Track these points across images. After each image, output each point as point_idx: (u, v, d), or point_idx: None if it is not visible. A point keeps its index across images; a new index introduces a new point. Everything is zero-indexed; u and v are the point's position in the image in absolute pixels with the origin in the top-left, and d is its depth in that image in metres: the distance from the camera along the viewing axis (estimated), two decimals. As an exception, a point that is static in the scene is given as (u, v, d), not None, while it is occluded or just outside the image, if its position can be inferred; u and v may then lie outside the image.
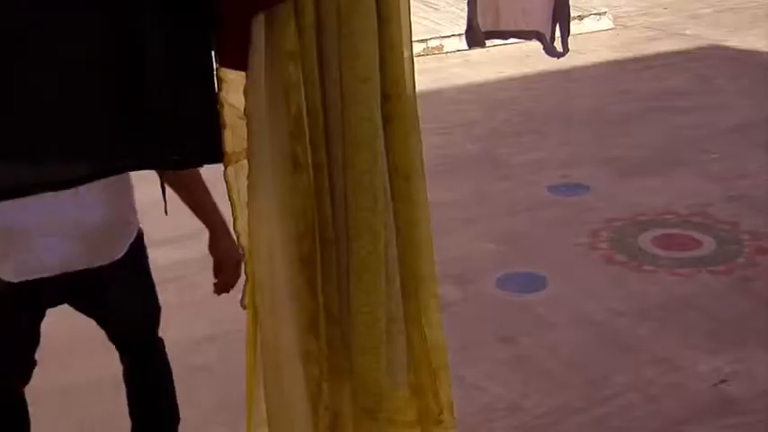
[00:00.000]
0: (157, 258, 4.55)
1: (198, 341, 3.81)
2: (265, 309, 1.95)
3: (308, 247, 1.92)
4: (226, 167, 1.97)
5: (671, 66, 7.59)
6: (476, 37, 2.13)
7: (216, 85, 1.87)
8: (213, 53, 1.86)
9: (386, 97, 1.90)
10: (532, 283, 4.21)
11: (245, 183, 1.94)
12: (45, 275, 2.38)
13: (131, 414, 2.81)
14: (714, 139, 5.79)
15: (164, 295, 4.33)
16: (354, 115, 1.89)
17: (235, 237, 2.07)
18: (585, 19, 8.97)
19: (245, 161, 1.93)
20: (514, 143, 5.70)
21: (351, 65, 1.86)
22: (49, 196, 1.94)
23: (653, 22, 9.61)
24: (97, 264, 2.44)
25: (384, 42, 1.87)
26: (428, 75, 7.24)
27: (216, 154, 1.91)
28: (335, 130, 1.91)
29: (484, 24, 2.11)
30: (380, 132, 1.91)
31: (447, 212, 4.92)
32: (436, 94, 6.70)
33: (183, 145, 1.86)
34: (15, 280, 2.37)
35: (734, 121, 6.00)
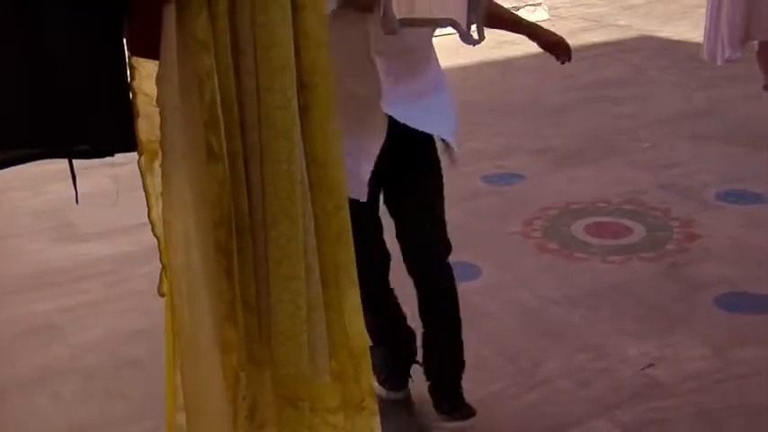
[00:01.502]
0: (87, 252, 4.56)
1: (129, 335, 3.77)
2: (182, 298, 1.95)
3: (225, 237, 1.92)
4: (140, 156, 1.95)
5: (605, 56, 7.68)
6: (391, 24, 2.12)
7: (129, 74, 1.86)
8: (125, 42, 1.84)
9: (302, 86, 1.90)
10: (467, 272, 4.23)
11: (160, 172, 1.92)
12: None
13: None
14: (646, 128, 5.87)
15: (93, 290, 4.31)
16: (271, 104, 1.88)
17: (150, 226, 2.05)
18: (521, 10, 9.04)
19: (160, 150, 1.92)
20: (450, 134, 5.71)
21: (266, 53, 1.85)
22: None
23: (587, 13, 9.72)
24: None
25: (299, 30, 1.87)
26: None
27: (129, 142, 1.90)
28: (251, 118, 1.90)
29: (398, 11, 2.10)
30: (297, 121, 1.90)
31: (382, 204, 4.92)
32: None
33: (96, 133, 1.84)
34: None
35: (665, 111, 6.09)
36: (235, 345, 2.01)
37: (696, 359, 3.49)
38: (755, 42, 2.86)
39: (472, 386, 3.39)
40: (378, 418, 2.15)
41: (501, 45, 7.34)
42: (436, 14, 2.18)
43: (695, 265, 4.19)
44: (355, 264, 2.04)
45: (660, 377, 3.40)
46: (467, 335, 3.75)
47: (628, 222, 4.65)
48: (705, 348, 3.55)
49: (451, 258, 3.93)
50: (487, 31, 2.35)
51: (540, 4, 9.46)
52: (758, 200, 4.79)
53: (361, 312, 2.09)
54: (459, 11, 2.11)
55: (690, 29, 8.24)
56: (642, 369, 3.44)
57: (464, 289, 4.06)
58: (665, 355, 3.52)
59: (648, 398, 3.29)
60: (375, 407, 2.14)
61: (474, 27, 2.16)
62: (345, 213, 2.00)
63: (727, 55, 2.69)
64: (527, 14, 9.08)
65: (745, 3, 2.64)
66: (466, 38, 2.20)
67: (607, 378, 3.41)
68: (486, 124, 6.22)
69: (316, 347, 2.00)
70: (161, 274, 2.04)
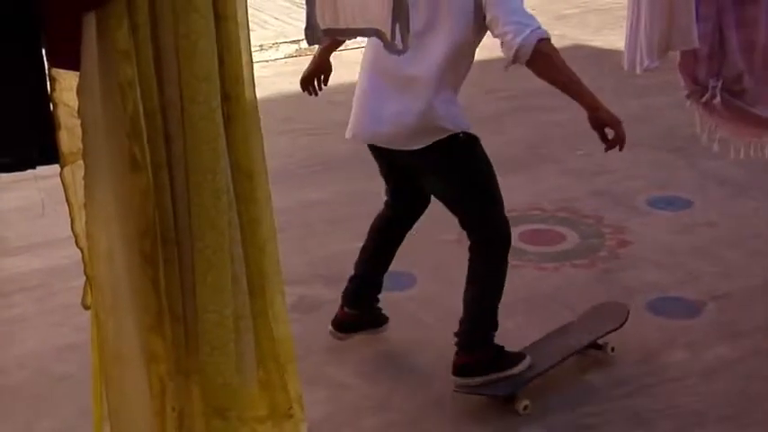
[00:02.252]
0: (16, 266, 4.47)
1: (59, 350, 3.71)
2: (105, 309, 1.94)
3: (150, 247, 1.91)
4: (62, 168, 1.93)
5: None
6: (314, 35, 2.12)
7: (49, 86, 1.83)
8: (44, 53, 1.81)
9: (226, 96, 1.90)
10: (402, 280, 4.24)
11: (83, 183, 1.90)
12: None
13: None
14: (579, 136, 5.90)
15: (22, 305, 4.22)
16: (195, 114, 1.87)
17: (73, 238, 2.03)
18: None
19: (83, 161, 1.89)
20: (386, 143, 5.73)
21: (189, 64, 1.85)
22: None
23: (523, 22, 9.79)
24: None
25: (222, 41, 1.86)
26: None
27: (51, 155, 1.87)
28: (176, 129, 1.89)
29: (323, 22, 2.10)
30: (222, 131, 1.90)
31: (318, 213, 4.93)
32: (309, 96, 6.67)
33: (16, 146, 1.81)
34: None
35: (597, 119, 6.17)
36: (162, 355, 2.01)
37: (628, 364, 3.54)
38: (677, 53, 2.93)
39: (405, 395, 3.41)
40: (305, 425, 2.16)
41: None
42: (360, 24, 2.18)
43: (627, 271, 4.25)
44: (281, 272, 2.05)
45: (593, 382, 3.44)
46: (402, 342, 3.77)
47: (561, 229, 4.70)
48: (637, 353, 3.60)
49: (385, 268, 3.92)
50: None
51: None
52: (687, 205, 4.88)
53: (287, 320, 2.10)
54: (383, 21, 2.12)
55: (620, 38, 8.26)
56: (575, 374, 3.48)
57: (399, 297, 4.09)
58: (597, 360, 3.57)
59: (581, 403, 3.33)
60: (302, 414, 2.16)
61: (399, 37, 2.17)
62: (271, 222, 2.01)
63: (645, 64, 2.74)
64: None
65: (664, 14, 2.69)
66: (390, 48, 2.20)
67: (541, 383, 3.44)
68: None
69: (243, 357, 2.00)
70: (85, 286, 2.02)
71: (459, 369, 3.31)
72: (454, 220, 4.89)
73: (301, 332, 3.71)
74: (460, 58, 3.11)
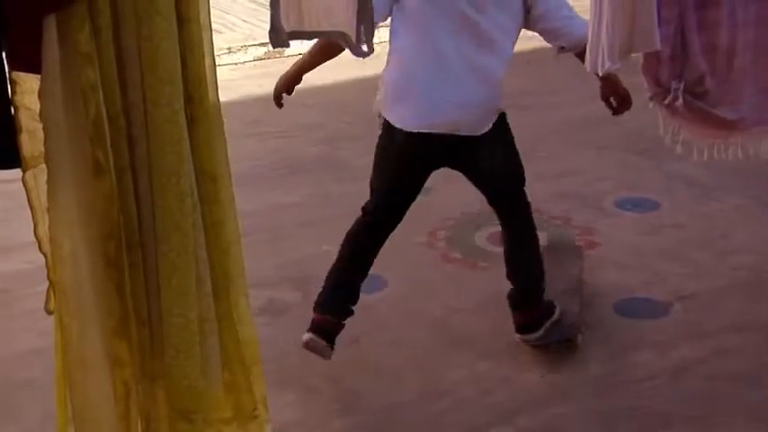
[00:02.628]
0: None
1: (23, 355, 3.68)
2: (69, 313, 1.93)
3: (114, 251, 1.91)
4: (24, 172, 1.92)
5: (513, 65, 7.76)
6: (279, 38, 2.12)
7: (9, 89, 1.81)
8: (4, 56, 1.80)
9: (189, 99, 1.89)
10: (372, 283, 4.21)
11: (46, 187, 1.89)
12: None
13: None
14: (548, 137, 5.95)
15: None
16: (158, 117, 1.87)
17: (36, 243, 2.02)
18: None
19: (45, 165, 1.88)
20: (356, 145, 5.70)
21: (152, 67, 1.85)
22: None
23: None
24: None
25: (185, 43, 1.86)
26: (271, 78, 7.11)
27: (12, 159, 1.85)
28: (139, 132, 1.89)
29: (287, 25, 2.10)
30: (185, 134, 1.90)
31: (287, 216, 4.91)
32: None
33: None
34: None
35: (565, 121, 6.19)
36: (127, 359, 2.01)
37: (596, 364, 3.56)
38: (641, 55, 2.95)
39: (375, 397, 3.41)
40: (270, 426, 2.16)
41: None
42: (325, 27, 2.18)
43: (595, 273, 4.26)
44: (245, 275, 2.05)
45: (560, 383, 3.46)
46: (371, 345, 3.77)
47: (530, 231, 4.71)
48: (604, 353, 3.62)
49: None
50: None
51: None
52: (654, 207, 4.91)
53: (252, 322, 2.10)
54: (348, 24, 2.12)
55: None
56: (543, 376, 3.50)
57: (369, 300, 4.09)
58: (565, 360, 3.59)
59: (549, 404, 3.34)
60: (267, 415, 2.17)
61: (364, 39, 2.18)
62: (235, 225, 2.01)
63: (607, 66, 2.76)
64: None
65: (626, 16, 2.71)
66: (355, 51, 2.21)
67: (509, 385, 3.46)
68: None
69: (208, 359, 2.01)
70: (48, 291, 2.01)
71: (524, 328, 3.61)
72: (425, 222, 4.93)
73: (270, 335, 3.71)
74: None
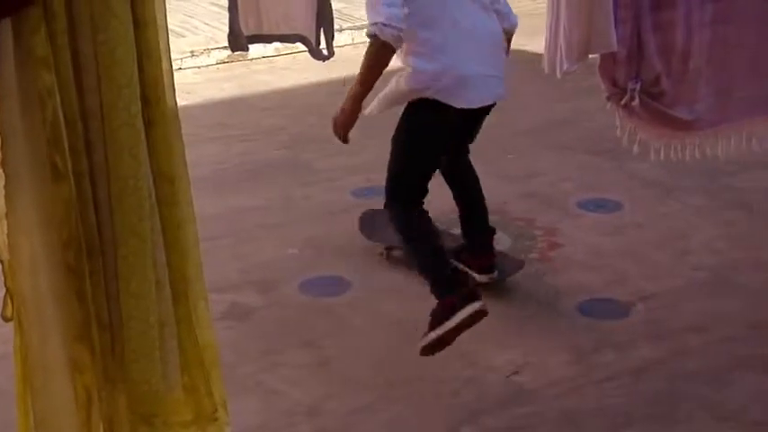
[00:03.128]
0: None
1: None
2: (29, 320, 1.92)
3: (74, 257, 1.90)
4: (-20, 179, 1.89)
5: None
6: (238, 41, 2.12)
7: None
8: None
9: (146, 102, 1.89)
10: (335, 286, 4.25)
11: (4, 193, 1.87)
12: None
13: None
14: (512, 139, 5.99)
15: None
16: (115, 121, 1.86)
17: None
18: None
19: (2, 171, 1.87)
20: (320, 148, 5.71)
21: (108, 71, 1.83)
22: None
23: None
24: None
25: (141, 46, 1.85)
26: (234, 81, 7.19)
27: (-32, 165, 1.83)
28: (96, 136, 1.88)
29: (246, 28, 2.10)
30: (143, 137, 1.89)
31: (251, 219, 4.91)
32: (241, 101, 6.66)
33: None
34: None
35: (529, 123, 6.23)
36: (88, 364, 2.00)
37: (559, 365, 3.59)
38: (598, 56, 2.98)
39: (339, 400, 3.41)
40: (229, 428, 2.16)
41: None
42: (284, 30, 2.19)
43: (558, 274, 4.30)
44: (203, 278, 2.04)
45: (525, 384, 3.49)
46: (334, 348, 3.76)
47: (493, 232, 4.73)
48: (567, 354, 3.65)
49: (319, 273, 3.93)
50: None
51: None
52: (616, 207, 4.96)
53: (211, 326, 2.10)
54: (307, 28, 2.12)
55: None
56: (508, 376, 3.52)
57: (332, 303, 4.10)
58: (529, 361, 3.61)
59: (514, 404, 3.37)
60: (227, 418, 2.16)
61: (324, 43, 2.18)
62: (193, 227, 2.01)
63: (565, 67, 2.78)
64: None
65: (583, 18, 2.73)
66: (315, 54, 2.21)
67: (474, 386, 3.48)
68: (356, 138, 6.23)
69: (168, 363, 2.00)
70: (5, 297, 1.99)
71: (489, 268, 4.05)
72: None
73: (233, 339, 3.71)
74: None
